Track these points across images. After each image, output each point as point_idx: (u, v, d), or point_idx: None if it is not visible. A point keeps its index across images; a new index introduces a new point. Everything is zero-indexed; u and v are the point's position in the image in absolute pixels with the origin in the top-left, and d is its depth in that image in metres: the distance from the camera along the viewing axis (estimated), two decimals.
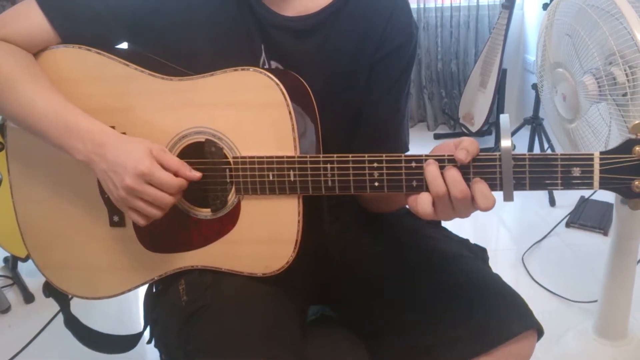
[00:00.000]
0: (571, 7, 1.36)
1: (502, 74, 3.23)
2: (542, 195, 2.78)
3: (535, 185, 0.80)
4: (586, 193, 2.60)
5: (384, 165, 0.84)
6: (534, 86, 2.82)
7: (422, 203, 0.81)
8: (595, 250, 2.32)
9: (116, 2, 0.97)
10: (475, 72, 3.35)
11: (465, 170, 0.80)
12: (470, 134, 3.36)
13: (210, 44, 0.98)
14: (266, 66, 1.00)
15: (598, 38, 1.27)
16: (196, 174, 0.90)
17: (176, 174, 0.88)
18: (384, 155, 0.83)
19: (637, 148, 0.77)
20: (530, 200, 2.78)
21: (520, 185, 0.80)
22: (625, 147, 0.77)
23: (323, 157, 0.86)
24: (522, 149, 3.13)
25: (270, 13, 0.98)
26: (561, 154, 0.79)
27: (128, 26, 0.99)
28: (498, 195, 0.79)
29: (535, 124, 3.02)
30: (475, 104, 3.36)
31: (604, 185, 0.79)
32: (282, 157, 0.88)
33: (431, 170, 0.80)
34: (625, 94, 1.24)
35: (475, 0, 3.57)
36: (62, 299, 1.11)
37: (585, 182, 0.79)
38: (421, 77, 3.71)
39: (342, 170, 0.85)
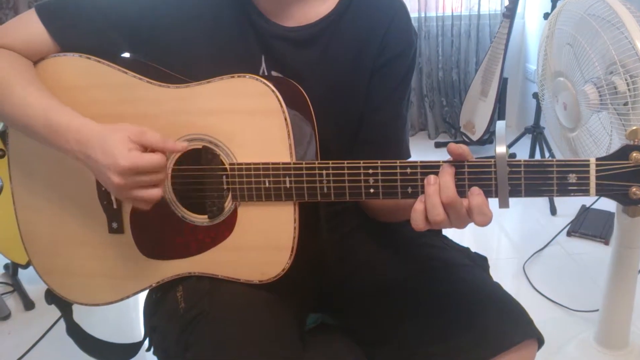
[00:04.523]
0: (572, 17, 1.36)
1: (503, 82, 3.23)
2: (543, 204, 2.77)
3: (530, 192, 0.79)
4: (587, 202, 2.59)
5: (379, 171, 0.84)
6: (535, 95, 2.82)
7: (413, 220, 0.81)
8: (596, 259, 2.31)
9: (115, 15, 0.98)
10: (476, 81, 3.35)
11: (460, 177, 0.80)
12: (471, 142, 3.36)
13: (209, 55, 0.98)
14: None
15: (599, 47, 1.27)
16: (182, 144, 0.91)
17: (162, 151, 0.88)
18: (379, 162, 0.84)
19: (634, 154, 0.75)
20: (531, 209, 2.77)
21: (515, 192, 0.79)
22: (622, 153, 0.76)
23: (318, 163, 0.86)
24: (523, 157, 3.11)
25: (269, 24, 0.98)
26: (557, 160, 0.78)
27: (127, 39, 0.99)
28: (493, 202, 0.79)
29: (536, 132, 3.01)
30: (476, 113, 3.36)
31: (601, 192, 0.77)
32: (278, 163, 0.88)
33: (430, 176, 0.81)
34: (626, 103, 1.24)
35: (476, 9, 3.58)
36: (65, 306, 1.11)
37: (582, 188, 0.78)
38: (422, 85, 3.71)
39: (337, 176, 0.86)
